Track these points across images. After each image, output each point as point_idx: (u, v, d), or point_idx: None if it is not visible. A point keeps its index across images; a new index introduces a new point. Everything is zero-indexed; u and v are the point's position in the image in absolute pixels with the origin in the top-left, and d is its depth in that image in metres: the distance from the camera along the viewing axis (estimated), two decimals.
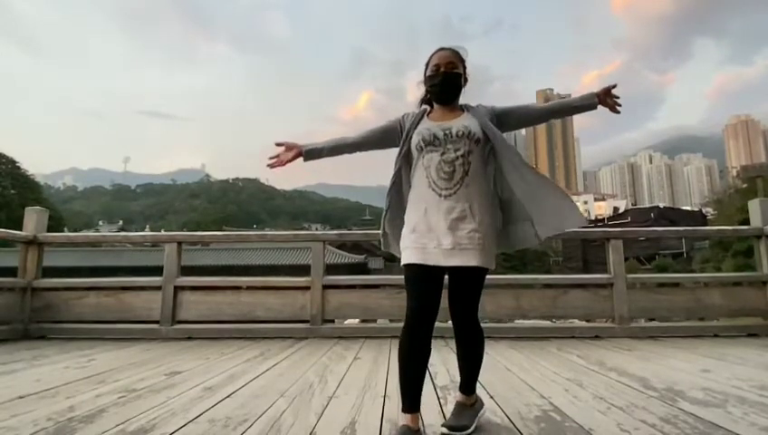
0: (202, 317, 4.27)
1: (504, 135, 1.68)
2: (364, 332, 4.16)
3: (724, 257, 21.38)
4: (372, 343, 3.65)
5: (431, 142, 1.58)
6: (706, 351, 3.20)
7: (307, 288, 4.23)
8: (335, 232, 4.94)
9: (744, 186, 27.06)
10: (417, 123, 1.67)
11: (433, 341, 1.55)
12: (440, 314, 1.55)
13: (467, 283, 1.58)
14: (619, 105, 1.69)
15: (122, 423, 1.65)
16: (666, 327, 4.11)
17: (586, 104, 1.70)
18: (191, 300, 4.30)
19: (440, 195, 1.55)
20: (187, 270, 4.45)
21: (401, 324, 1.55)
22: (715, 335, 3.96)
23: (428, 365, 1.55)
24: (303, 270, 4.37)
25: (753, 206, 4.42)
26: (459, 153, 1.56)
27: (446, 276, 1.59)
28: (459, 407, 1.65)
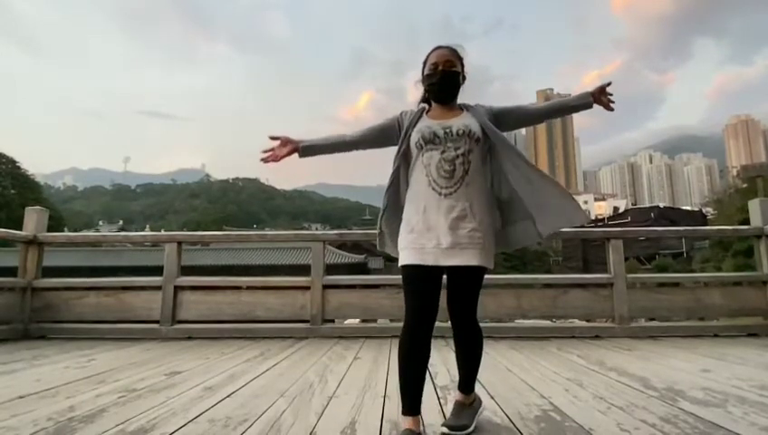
0: (202, 317, 4.28)
1: (504, 135, 1.68)
2: (364, 332, 4.16)
3: (725, 257, 21.38)
4: (372, 343, 3.65)
5: (431, 140, 1.57)
6: (706, 350, 3.20)
7: (307, 288, 4.23)
8: (335, 232, 4.93)
9: (744, 186, 27.06)
10: (416, 121, 1.66)
11: (433, 341, 1.55)
12: (440, 313, 1.55)
13: (467, 282, 1.57)
14: (613, 102, 1.72)
15: (122, 423, 1.65)
16: (666, 327, 4.11)
17: (582, 103, 1.72)
18: (191, 300, 4.30)
19: (440, 193, 1.54)
20: (187, 270, 4.45)
21: (401, 324, 1.54)
22: (716, 335, 3.96)
23: (428, 365, 1.54)
24: (303, 270, 4.37)
25: (753, 205, 4.42)
26: (460, 152, 1.55)
27: (445, 276, 1.58)
28: (458, 406, 1.65)
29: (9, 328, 4.02)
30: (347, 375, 2.49)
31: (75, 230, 46.44)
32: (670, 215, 49.72)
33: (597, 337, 3.91)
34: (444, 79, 1.64)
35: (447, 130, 1.57)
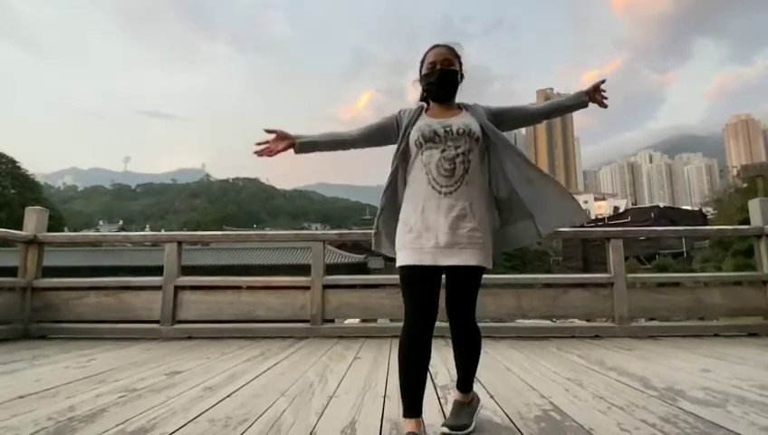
0: (202, 317, 4.28)
1: (505, 135, 1.68)
2: (364, 331, 4.16)
3: (725, 257, 21.38)
4: (372, 343, 3.65)
5: (431, 139, 1.55)
6: (707, 350, 3.20)
7: (307, 288, 4.23)
8: (335, 232, 4.93)
9: (745, 185, 27.07)
10: (416, 120, 1.64)
11: (433, 340, 1.54)
12: (440, 313, 1.54)
13: (466, 282, 1.56)
14: (606, 98, 1.74)
15: (123, 423, 1.65)
16: (666, 327, 4.11)
17: (578, 103, 1.74)
18: (191, 300, 4.30)
19: (440, 192, 1.52)
20: (187, 270, 4.45)
21: (401, 324, 1.53)
22: (716, 335, 3.96)
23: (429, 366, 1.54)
24: (303, 270, 4.37)
25: (754, 205, 4.42)
26: (460, 151, 1.54)
27: (443, 276, 1.57)
28: (458, 406, 1.65)
29: (9, 328, 4.02)
30: (347, 375, 2.49)
31: (75, 230, 46.44)
32: (670, 214, 49.72)
33: (597, 337, 3.91)
34: (442, 78, 1.63)
35: (448, 129, 1.56)
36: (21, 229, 4.43)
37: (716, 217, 29.59)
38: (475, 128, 1.58)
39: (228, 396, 2.04)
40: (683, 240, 38.66)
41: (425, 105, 1.72)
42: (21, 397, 2.01)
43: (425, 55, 1.68)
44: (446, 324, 1.63)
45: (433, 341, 1.53)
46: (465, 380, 1.66)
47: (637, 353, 3.12)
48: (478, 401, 1.72)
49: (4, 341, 3.81)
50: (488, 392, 2.07)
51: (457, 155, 1.53)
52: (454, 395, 1.71)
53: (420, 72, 1.69)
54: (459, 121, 1.59)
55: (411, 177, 1.61)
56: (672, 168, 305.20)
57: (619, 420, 1.66)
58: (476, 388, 1.73)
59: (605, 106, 1.74)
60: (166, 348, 3.49)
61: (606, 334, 3.96)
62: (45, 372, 2.60)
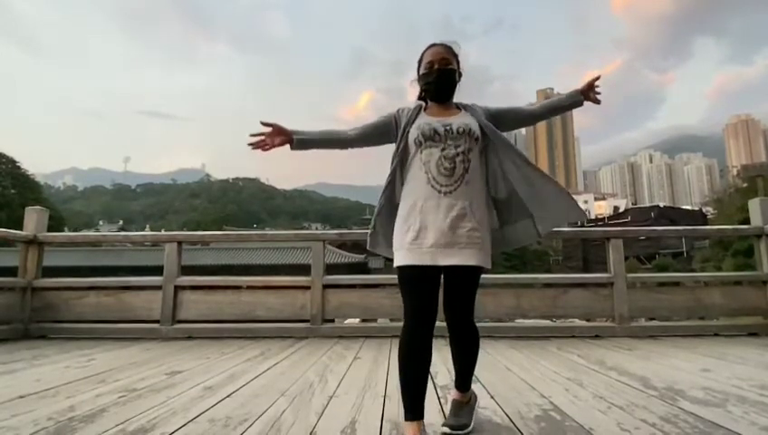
0: (202, 317, 4.28)
1: (504, 134, 1.68)
2: (364, 331, 4.16)
3: (725, 257, 21.39)
4: (372, 343, 3.65)
5: (431, 137, 1.54)
6: (707, 350, 3.20)
7: (307, 288, 4.23)
8: (335, 231, 4.93)
9: (745, 185, 27.09)
10: (415, 118, 1.63)
11: (433, 340, 1.52)
12: (440, 312, 1.54)
13: (465, 282, 1.55)
14: (599, 93, 1.74)
15: (123, 423, 1.65)
16: (666, 326, 4.11)
17: (573, 102, 1.74)
18: (191, 299, 4.30)
19: (440, 191, 1.51)
20: (187, 270, 4.45)
21: (401, 324, 1.52)
22: (716, 335, 3.96)
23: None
24: (304, 270, 4.36)
25: (754, 205, 4.42)
26: (460, 150, 1.53)
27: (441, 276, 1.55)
28: (457, 405, 1.64)
29: (9, 328, 4.02)
30: (347, 375, 2.49)
31: (75, 230, 46.45)
32: (670, 214, 49.74)
33: (597, 337, 3.91)
34: (440, 77, 1.62)
35: (448, 128, 1.55)
36: (21, 229, 4.43)
37: (716, 216, 29.61)
38: (475, 127, 1.58)
39: (228, 396, 2.03)
40: (683, 240, 38.69)
41: (423, 104, 1.70)
42: (21, 397, 2.01)
43: (422, 55, 1.67)
44: (445, 324, 1.62)
45: (433, 341, 1.52)
46: (464, 379, 1.65)
47: (637, 353, 3.12)
48: (476, 398, 1.72)
49: (4, 341, 3.81)
50: (488, 392, 2.07)
51: (457, 154, 1.52)
52: (452, 394, 1.70)
53: (418, 71, 1.68)
54: (459, 121, 1.58)
55: (410, 175, 1.59)
56: (672, 168, 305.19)
57: (619, 420, 1.65)
58: (476, 388, 1.73)
59: (598, 102, 1.75)
60: (166, 348, 3.49)
61: (606, 334, 3.96)
62: (45, 371, 2.60)
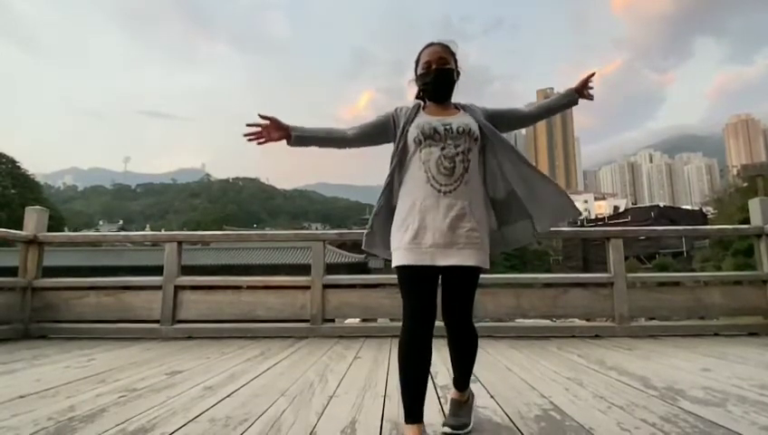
0: (202, 317, 4.28)
1: (504, 135, 1.67)
2: (364, 331, 4.16)
3: (725, 256, 21.39)
4: (372, 343, 3.65)
5: (431, 136, 1.53)
6: (707, 350, 3.20)
7: (307, 288, 4.24)
8: (335, 231, 4.93)
9: (745, 185, 27.08)
10: (414, 117, 1.61)
11: (434, 340, 1.52)
12: (439, 312, 1.54)
13: (464, 283, 1.54)
14: (591, 88, 1.77)
15: (123, 423, 1.65)
16: (666, 326, 4.11)
17: (569, 102, 1.77)
18: (191, 299, 4.30)
19: (440, 191, 1.50)
20: (187, 269, 4.45)
21: (401, 324, 1.50)
22: (716, 334, 3.96)
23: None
24: (304, 269, 4.36)
25: (754, 205, 4.42)
26: (460, 150, 1.52)
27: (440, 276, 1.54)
28: (456, 404, 1.64)
29: (9, 328, 4.02)
30: (347, 375, 2.49)
31: (75, 230, 46.45)
32: (670, 214, 49.75)
33: (597, 336, 3.91)
34: (438, 77, 1.61)
35: (448, 127, 1.54)
36: (21, 229, 4.43)
37: (716, 216, 29.61)
38: (474, 127, 1.57)
39: (228, 396, 2.04)
40: (683, 240, 38.70)
41: (422, 103, 1.69)
42: (21, 397, 2.01)
43: (419, 54, 1.66)
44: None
45: (433, 341, 1.51)
46: (463, 378, 1.65)
47: (637, 353, 3.12)
48: (473, 395, 1.72)
49: (4, 341, 3.82)
50: (488, 392, 2.07)
51: (457, 154, 1.51)
52: (451, 393, 1.69)
53: (416, 71, 1.67)
54: (459, 120, 1.57)
55: (408, 175, 1.57)
56: (672, 167, 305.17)
57: (619, 420, 1.65)
58: (476, 388, 1.73)
59: (591, 98, 1.76)
60: (166, 348, 3.49)
61: (606, 334, 3.96)
62: (45, 371, 2.60)
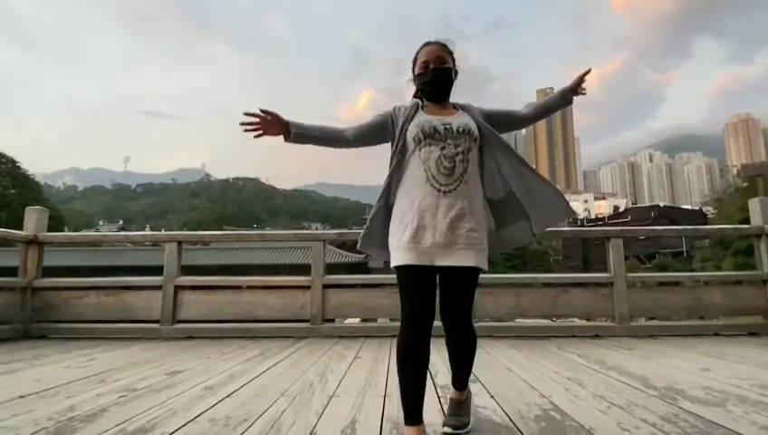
0: (202, 317, 4.28)
1: (503, 136, 1.67)
2: (364, 331, 4.16)
3: (725, 256, 21.39)
4: (372, 343, 3.65)
5: (431, 135, 1.51)
6: (707, 350, 3.20)
7: (307, 287, 4.24)
8: (335, 231, 4.93)
9: (745, 185, 27.09)
10: (413, 116, 1.60)
11: (433, 340, 1.52)
12: (438, 312, 1.53)
13: (463, 284, 1.52)
14: (585, 80, 1.75)
15: (123, 423, 1.65)
16: (666, 326, 4.11)
17: (563, 101, 1.76)
18: (191, 299, 4.30)
19: (440, 190, 1.48)
20: (187, 269, 4.45)
21: (400, 324, 1.50)
22: (716, 334, 3.96)
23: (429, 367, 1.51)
24: (304, 269, 4.36)
25: (754, 205, 4.42)
26: (460, 149, 1.51)
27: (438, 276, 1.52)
28: (455, 404, 1.64)
29: (9, 328, 4.02)
30: (347, 375, 2.49)
31: (75, 230, 46.46)
32: (670, 214, 49.76)
33: (597, 336, 3.91)
34: (436, 77, 1.60)
35: (448, 127, 1.53)
36: (21, 229, 4.43)
37: (716, 216, 29.61)
38: (474, 128, 1.57)
39: (228, 396, 2.04)
40: (683, 239, 38.72)
41: (420, 102, 1.67)
42: (21, 397, 2.01)
43: (417, 54, 1.64)
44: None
45: (433, 340, 1.51)
46: (462, 378, 1.64)
47: (637, 353, 3.12)
48: (470, 392, 1.72)
49: (4, 341, 3.82)
50: (488, 392, 2.07)
51: (457, 154, 1.51)
52: (450, 393, 1.69)
53: (413, 71, 1.66)
54: (458, 120, 1.57)
55: (407, 174, 1.56)
56: (672, 167, 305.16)
57: (619, 420, 1.66)
58: (477, 387, 1.73)
59: (584, 93, 1.75)
60: (166, 348, 3.50)
61: (606, 334, 3.96)
62: (46, 371, 2.60)
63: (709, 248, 28.39)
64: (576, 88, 1.74)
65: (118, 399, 1.98)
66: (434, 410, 1.81)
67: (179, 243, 4.39)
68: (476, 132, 1.57)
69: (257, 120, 1.57)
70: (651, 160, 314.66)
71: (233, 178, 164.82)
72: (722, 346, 3.34)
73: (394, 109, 1.67)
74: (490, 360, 2.88)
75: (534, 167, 1.68)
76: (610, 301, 4.09)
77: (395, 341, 1.51)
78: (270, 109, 1.59)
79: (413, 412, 1.44)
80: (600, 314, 4.19)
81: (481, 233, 1.53)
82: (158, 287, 4.26)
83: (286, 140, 1.62)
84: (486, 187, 1.65)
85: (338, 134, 1.67)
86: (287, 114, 1.59)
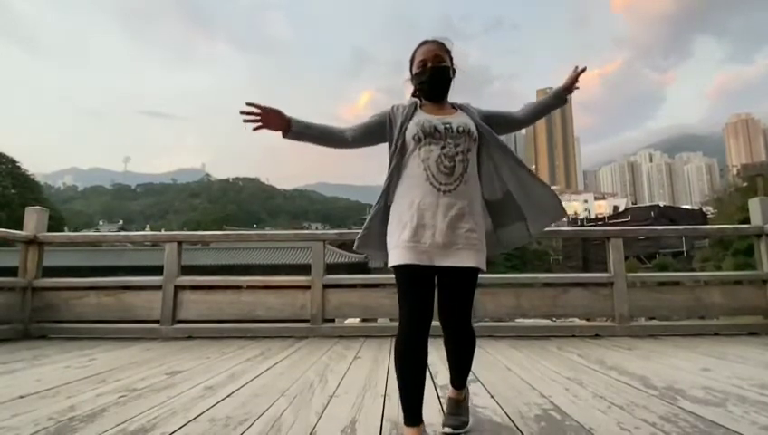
0: (202, 317, 4.28)
1: (502, 137, 1.68)
2: (364, 331, 4.16)
3: (725, 256, 21.39)
4: (372, 343, 3.65)
5: (431, 134, 1.50)
6: (707, 349, 3.20)
7: (307, 287, 4.24)
8: (335, 231, 4.93)
9: (745, 184, 27.10)
10: (412, 115, 1.59)
11: (432, 340, 1.51)
12: (437, 312, 1.53)
13: (462, 284, 1.52)
14: (579, 74, 1.75)
15: (123, 423, 1.65)
16: (666, 326, 4.11)
17: (558, 101, 1.77)
18: (191, 299, 4.30)
19: (439, 190, 1.47)
20: (187, 269, 4.45)
21: (398, 324, 1.49)
22: (716, 334, 3.96)
23: (428, 366, 1.51)
24: (304, 269, 4.36)
25: (754, 204, 4.42)
26: (459, 149, 1.50)
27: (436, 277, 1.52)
28: (454, 403, 1.64)
29: (9, 328, 4.02)
30: (347, 375, 2.49)
31: (75, 230, 46.45)
32: (670, 214, 49.78)
33: (597, 336, 3.91)
34: (434, 76, 1.59)
35: (447, 126, 1.52)
36: (21, 229, 4.43)
37: (716, 216, 29.61)
38: (473, 128, 1.56)
39: (228, 396, 2.04)
40: (683, 239, 38.75)
41: (418, 101, 1.66)
42: (21, 397, 2.01)
43: (414, 53, 1.63)
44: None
45: (433, 340, 1.50)
46: (461, 378, 1.64)
47: (637, 353, 3.12)
48: (468, 391, 1.72)
49: (4, 341, 3.82)
50: (488, 392, 2.07)
51: (457, 153, 1.50)
52: (448, 393, 1.68)
53: (411, 70, 1.65)
54: (458, 120, 1.56)
55: (406, 173, 1.54)
56: (672, 167, 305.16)
57: (619, 420, 1.66)
58: (476, 387, 1.73)
59: (577, 88, 1.76)
60: (166, 348, 3.50)
61: (606, 334, 3.96)
62: (46, 371, 2.60)
63: (709, 248, 28.40)
64: (570, 87, 1.74)
65: (118, 399, 1.98)
66: (434, 410, 1.81)
67: (179, 243, 4.39)
68: (476, 132, 1.57)
69: (258, 111, 1.54)
70: (651, 160, 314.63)
71: (233, 178, 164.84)
72: (722, 346, 3.34)
73: (392, 108, 1.66)
74: (490, 360, 2.88)
75: (533, 168, 1.69)
76: (610, 301, 4.09)
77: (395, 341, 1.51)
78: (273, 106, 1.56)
79: (413, 412, 1.43)
80: (600, 313, 4.19)
81: (480, 233, 1.53)
82: (158, 287, 4.26)
83: (285, 136, 1.60)
84: (484, 187, 1.64)
85: (337, 134, 1.66)
86: (287, 114, 1.59)
